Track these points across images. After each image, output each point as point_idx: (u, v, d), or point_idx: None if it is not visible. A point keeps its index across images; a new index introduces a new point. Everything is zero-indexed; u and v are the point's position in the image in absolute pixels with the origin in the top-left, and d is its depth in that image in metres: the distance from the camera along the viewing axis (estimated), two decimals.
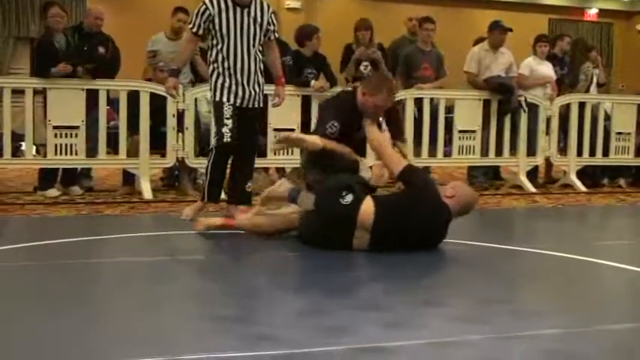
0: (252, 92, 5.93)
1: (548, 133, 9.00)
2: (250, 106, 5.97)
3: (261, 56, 5.99)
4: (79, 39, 7.75)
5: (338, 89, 8.24)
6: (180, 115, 7.70)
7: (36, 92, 7.62)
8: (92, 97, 7.49)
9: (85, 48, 7.73)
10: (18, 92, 7.62)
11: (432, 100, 8.55)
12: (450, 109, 8.83)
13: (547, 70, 9.14)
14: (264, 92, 6.11)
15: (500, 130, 8.79)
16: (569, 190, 8.95)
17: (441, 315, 3.38)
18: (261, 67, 6.01)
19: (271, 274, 4.34)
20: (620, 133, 9.39)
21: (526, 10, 17.01)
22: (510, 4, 16.73)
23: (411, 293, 3.88)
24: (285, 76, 6.54)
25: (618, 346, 3.07)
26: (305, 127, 7.65)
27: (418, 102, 8.47)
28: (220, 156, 5.93)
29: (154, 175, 8.08)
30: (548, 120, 8.98)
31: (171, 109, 7.63)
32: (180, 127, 7.73)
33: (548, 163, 9.49)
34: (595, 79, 9.73)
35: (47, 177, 7.64)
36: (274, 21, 6.05)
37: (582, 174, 9.25)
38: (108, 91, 7.73)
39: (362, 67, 8.39)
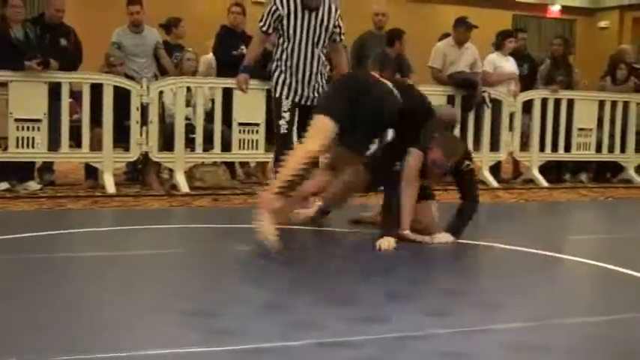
0: (313, 91, 6.20)
1: (511, 128, 9.07)
2: (309, 104, 6.16)
3: (324, 58, 6.27)
4: (41, 31, 7.63)
5: None
6: (144, 109, 7.64)
7: None
8: (55, 90, 7.40)
9: (47, 41, 7.63)
10: None
11: None
12: None
13: (510, 66, 9.20)
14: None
15: (464, 125, 8.82)
16: (531, 186, 9.03)
17: (406, 309, 3.40)
18: (324, 67, 6.29)
19: (238, 269, 4.34)
20: (582, 129, 9.49)
21: (490, 6, 17.11)
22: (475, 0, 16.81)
23: (377, 287, 3.89)
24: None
25: (580, 339, 3.11)
26: (269, 122, 7.59)
27: None
28: (281, 147, 6.09)
29: (117, 169, 8.02)
30: (512, 116, 9.05)
31: (135, 102, 7.57)
32: (144, 121, 7.67)
33: (516, 160, 9.56)
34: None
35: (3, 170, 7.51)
36: (341, 24, 6.28)
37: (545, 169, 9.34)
38: (70, 84, 7.64)
39: None
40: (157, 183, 7.86)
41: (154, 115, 7.65)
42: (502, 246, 5.02)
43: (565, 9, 19.03)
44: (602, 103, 9.62)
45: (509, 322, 3.26)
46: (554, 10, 19.04)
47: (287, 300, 3.52)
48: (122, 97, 7.53)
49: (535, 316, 3.37)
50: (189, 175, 7.94)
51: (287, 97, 6.19)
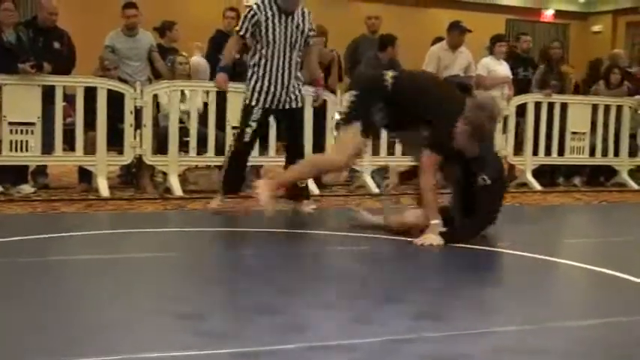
0: (290, 94, 6.29)
1: (504, 132, 9.08)
2: (287, 107, 6.31)
3: (299, 60, 6.37)
4: (34, 34, 7.61)
5: None
6: (137, 112, 7.62)
7: None
8: (48, 93, 7.38)
9: (40, 44, 7.61)
10: None
11: None
12: None
13: (504, 70, 9.21)
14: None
15: None
16: (525, 189, 9.04)
17: (400, 311, 3.39)
18: (300, 72, 6.43)
19: (231, 272, 4.33)
20: (575, 133, 9.50)
21: (483, 11, 17.15)
22: (468, 4, 16.86)
23: (370, 289, 3.88)
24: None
25: (577, 342, 3.11)
26: None
27: None
28: (238, 153, 6.32)
29: (111, 173, 8.00)
30: (505, 119, 9.06)
31: (128, 105, 7.55)
32: (138, 124, 7.65)
33: (510, 164, 9.57)
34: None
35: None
36: (313, 27, 6.42)
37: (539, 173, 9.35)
38: (64, 87, 7.62)
39: None
40: (150, 186, 7.84)
41: (147, 119, 7.64)
42: (497, 249, 5.03)
43: (559, 13, 19.10)
44: (595, 107, 9.63)
45: (506, 325, 3.25)
46: (548, 14, 19.10)
47: (279, 303, 3.50)
48: (116, 100, 7.52)
49: (531, 319, 3.37)
50: (183, 178, 7.93)
51: (261, 107, 6.24)
